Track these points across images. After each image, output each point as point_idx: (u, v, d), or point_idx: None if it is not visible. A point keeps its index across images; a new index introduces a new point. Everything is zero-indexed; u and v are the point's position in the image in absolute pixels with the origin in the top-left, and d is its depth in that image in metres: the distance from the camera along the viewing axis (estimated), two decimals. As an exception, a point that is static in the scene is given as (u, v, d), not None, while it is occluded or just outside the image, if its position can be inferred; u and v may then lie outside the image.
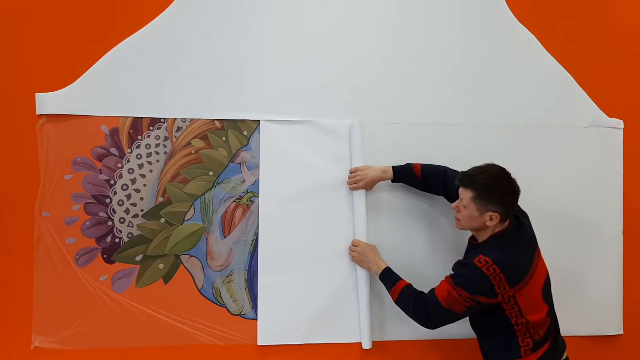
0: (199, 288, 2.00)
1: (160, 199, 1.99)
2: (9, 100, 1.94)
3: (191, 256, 2.00)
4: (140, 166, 1.99)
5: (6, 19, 1.94)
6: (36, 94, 1.94)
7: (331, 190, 2.05)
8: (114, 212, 1.97)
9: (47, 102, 1.93)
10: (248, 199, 2.04)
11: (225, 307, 2.01)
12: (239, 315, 2.02)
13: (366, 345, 2.01)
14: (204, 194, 2.02)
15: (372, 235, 2.03)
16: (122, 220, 1.97)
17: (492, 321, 1.73)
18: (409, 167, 1.99)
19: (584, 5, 2.27)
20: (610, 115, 2.25)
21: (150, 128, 2.00)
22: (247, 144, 2.05)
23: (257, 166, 2.05)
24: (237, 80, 2.04)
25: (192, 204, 2.01)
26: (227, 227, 2.03)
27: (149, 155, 2.00)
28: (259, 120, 2.04)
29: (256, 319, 2.02)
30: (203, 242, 2.01)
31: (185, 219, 2.00)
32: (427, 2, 2.14)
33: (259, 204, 2.03)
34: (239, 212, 2.03)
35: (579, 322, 2.15)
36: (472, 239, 1.85)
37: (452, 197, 1.86)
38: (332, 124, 2.07)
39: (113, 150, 1.98)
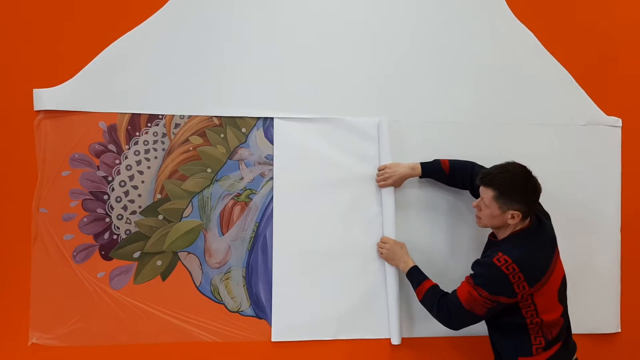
0: (197, 285, 1.99)
1: (158, 196, 1.99)
2: (6, 96, 1.93)
3: (189, 253, 2.00)
4: (138, 163, 1.99)
5: (4, 15, 1.93)
6: (34, 90, 1.93)
7: (360, 187, 2.05)
8: (112, 208, 1.97)
9: (45, 98, 1.93)
10: (246, 196, 2.04)
11: (223, 304, 2.01)
12: (237, 312, 2.01)
13: (395, 341, 2.02)
14: (202, 191, 2.01)
15: (401, 231, 2.04)
16: (120, 216, 1.97)
17: (507, 319, 1.73)
18: (437, 163, 1.99)
19: (582, 3, 2.27)
20: (608, 114, 2.25)
21: (149, 124, 2.00)
22: (245, 141, 2.04)
23: (256, 163, 2.04)
24: (241, 77, 2.03)
25: (190, 200, 2.00)
26: (225, 224, 2.02)
27: (147, 151, 1.99)
28: (257, 118, 2.04)
29: (254, 316, 2.01)
30: (201, 239, 2.00)
31: (184, 216, 2.00)
32: (433, 4, 2.15)
33: (274, 201, 2.02)
34: (237, 209, 2.03)
35: (577, 320, 2.11)
36: (492, 235, 1.85)
37: (477, 192, 1.85)
38: (357, 122, 2.07)
39: (111, 147, 1.98)
